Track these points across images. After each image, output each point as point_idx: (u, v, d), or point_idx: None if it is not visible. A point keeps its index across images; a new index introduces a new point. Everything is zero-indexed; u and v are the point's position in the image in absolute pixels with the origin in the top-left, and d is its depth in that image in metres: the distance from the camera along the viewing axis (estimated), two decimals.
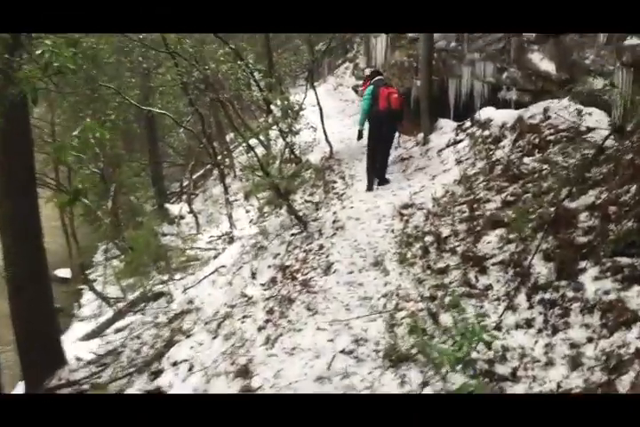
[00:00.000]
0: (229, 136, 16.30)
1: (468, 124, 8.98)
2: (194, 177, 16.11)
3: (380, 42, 14.49)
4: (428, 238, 5.98)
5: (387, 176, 9.10)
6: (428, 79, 10.17)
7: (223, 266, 8.85)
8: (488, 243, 5.17)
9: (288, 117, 11.08)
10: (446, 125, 9.96)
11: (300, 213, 9.62)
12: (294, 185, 10.30)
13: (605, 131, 5.64)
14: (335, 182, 9.84)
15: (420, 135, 10.55)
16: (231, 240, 10.47)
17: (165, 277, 10.59)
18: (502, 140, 7.27)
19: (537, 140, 6.31)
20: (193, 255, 11.61)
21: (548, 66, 7.56)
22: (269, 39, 12.57)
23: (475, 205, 5.99)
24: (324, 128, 11.80)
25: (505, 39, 8.72)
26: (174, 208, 14.14)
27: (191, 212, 13.29)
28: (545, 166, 5.79)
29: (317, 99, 11.96)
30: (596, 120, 5.86)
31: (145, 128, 13.88)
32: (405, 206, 7.28)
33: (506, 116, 7.98)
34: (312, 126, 8.92)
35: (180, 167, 15.68)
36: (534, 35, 8.07)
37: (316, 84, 20.29)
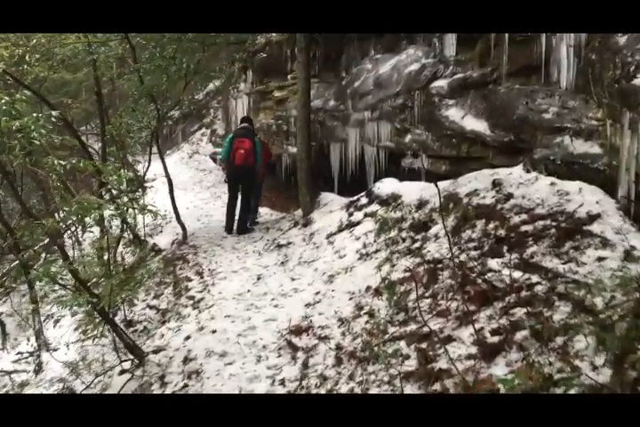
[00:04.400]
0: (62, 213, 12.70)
1: (363, 200, 6.57)
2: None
3: (241, 103, 12.07)
4: None
5: (249, 226, 8.64)
6: (307, 144, 7.77)
7: None
8: None
9: (124, 192, 8.21)
10: (332, 201, 7.51)
11: (140, 327, 6.58)
12: (133, 282, 7.26)
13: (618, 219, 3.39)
14: (190, 280, 6.89)
15: (298, 213, 8.03)
16: (39, 369, 7.04)
17: None
18: (430, 226, 4.85)
19: (501, 232, 3.92)
20: None
21: (475, 124, 5.39)
22: (103, 96, 9.63)
23: (427, 348, 3.38)
24: (174, 204, 8.93)
25: (404, 94, 6.56)
26: None
27: None
28: (534, 278, 3.36)
29: (165, 168, 9.11)
30: (596, 201, 3.58)
31: None
32: (298, 331, 4.53)
33: (419, 190, 5.67)
34: (149, 208, 6.02)
35: None
36: (445, 87, 5.97)
37: (168, 151, 17.45)
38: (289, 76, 9.67)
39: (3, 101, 5.26)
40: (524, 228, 3.77)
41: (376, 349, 3.63)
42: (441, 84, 6.02)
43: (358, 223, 6.22)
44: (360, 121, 7.36)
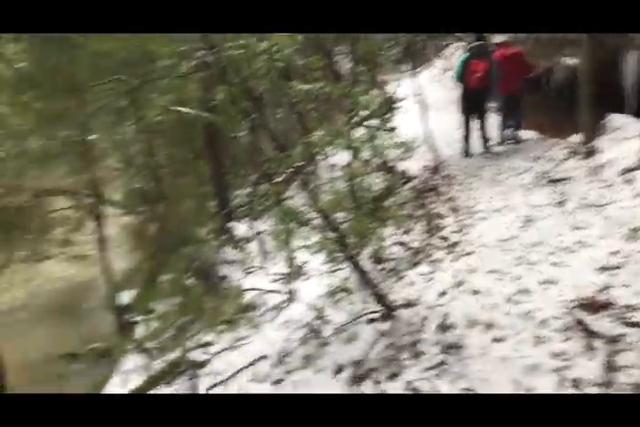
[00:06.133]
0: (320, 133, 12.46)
1: None
2: (277, 180, 12.44)
3: None
4: None
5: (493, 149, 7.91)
6: (592, 51, 5.99)
7: (264, 357, 5.28)
8: None
9: (374, 115, 7.49)
10: (625, 125, 5.77)
11: (388, 266, 5.89)
12: (384, 212, 6.62)
13: None
14: (443, 217, 5.94)
15: (576, 139, 6.41)
16: (291, 297, 6.87)
17: (209, 337, 7.28)
18: None
19: None
20: (249, 302, 8.13)
21: None
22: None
23: None
24: (425, 128, 7.91)
25: None
26: (240, 227, 10.66)
27: (256, 233, 9.76)
28: None
29: (416, 87, 8.05)
30: None
31: (204, 132, 10.50)
32: (592, 306, 3.30)
33: None
34: (398, 140, 5.05)
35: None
36: None
37: (419, 68, 16.19)
38: None
39: None
40: None
41: None
42: None
43: None
44: None
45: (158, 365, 7.30)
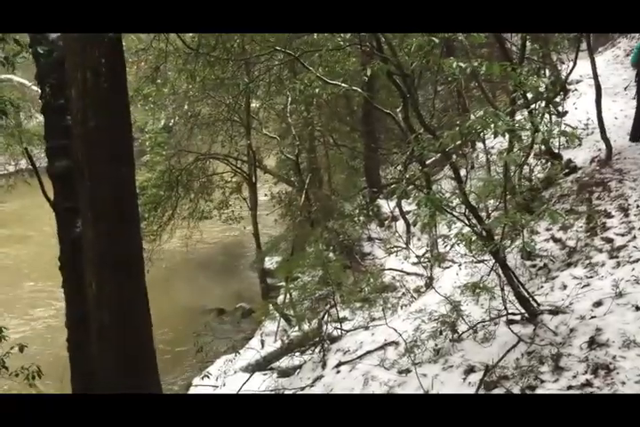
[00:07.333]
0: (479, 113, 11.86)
1: None
2: (429, 162, 12.11)
3: None
4: None
5: None
6: None
7: (394, 343, 5.17)
8: None
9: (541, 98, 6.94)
10: None
11: (539, 263, 5.47)
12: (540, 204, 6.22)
13: None
14: (609, 216, 5.32)
15: None
16: (429, 283, 6.66)
17: (345, 313, 7.39)
18: None
19: None
20: (388, 282, 8.05)
21: None
22: None
23: None
24: (599, 114, 7.10)
25: None
26: (387, 205, 10.52)
27: (402, 214, 9.57)
28: None
29: (594, 69, 7.24)
30: None
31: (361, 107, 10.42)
32: None
33: None
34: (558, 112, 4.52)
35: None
36: None
37: (600, 49, 14.71)
38: None
39: None
40: None
41: None
42: None
43: None
44: None
45: (295, 333, 7.53)
